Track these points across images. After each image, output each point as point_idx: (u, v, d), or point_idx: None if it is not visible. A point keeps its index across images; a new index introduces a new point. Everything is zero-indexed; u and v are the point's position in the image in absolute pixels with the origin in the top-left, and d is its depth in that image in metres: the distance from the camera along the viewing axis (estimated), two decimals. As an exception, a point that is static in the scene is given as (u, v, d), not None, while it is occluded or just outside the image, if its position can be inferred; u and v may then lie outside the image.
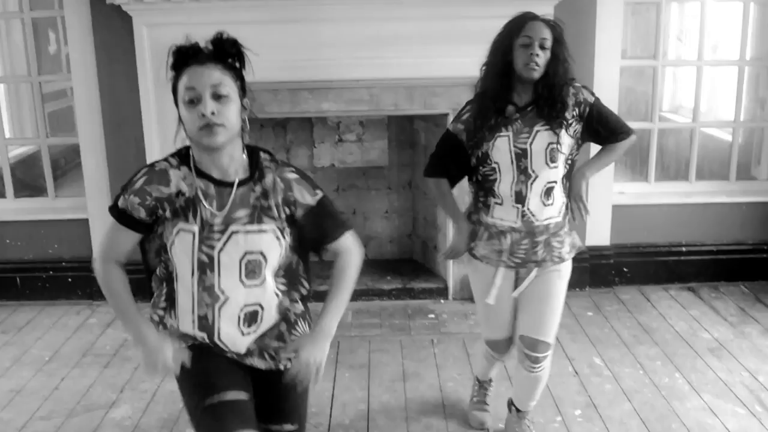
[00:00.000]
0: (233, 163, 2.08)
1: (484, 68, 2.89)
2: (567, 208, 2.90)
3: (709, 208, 4.98)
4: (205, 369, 2.12)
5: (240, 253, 2.05)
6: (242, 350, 2.15)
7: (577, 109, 2.81)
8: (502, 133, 2.78)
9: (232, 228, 2.04)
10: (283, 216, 2.08)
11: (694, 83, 5.01)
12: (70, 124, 5.82)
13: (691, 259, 4.99)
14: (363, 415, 3.50)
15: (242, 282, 2.07)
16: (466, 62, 4.39)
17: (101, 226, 4.78)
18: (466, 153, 2.86)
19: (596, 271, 4.89)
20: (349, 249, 2.21)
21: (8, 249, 4.97)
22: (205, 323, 2.10)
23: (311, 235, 2.15)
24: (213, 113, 1.96)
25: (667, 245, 4.98)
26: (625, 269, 4.95)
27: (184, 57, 2.02)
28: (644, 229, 4.95)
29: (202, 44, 2.04)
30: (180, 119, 2.06)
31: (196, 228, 2.04)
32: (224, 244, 2.04)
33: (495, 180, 2.82)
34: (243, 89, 2.08)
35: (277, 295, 2.14)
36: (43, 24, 5.81)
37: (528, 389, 3.10)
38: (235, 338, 2.12)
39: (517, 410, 3.21)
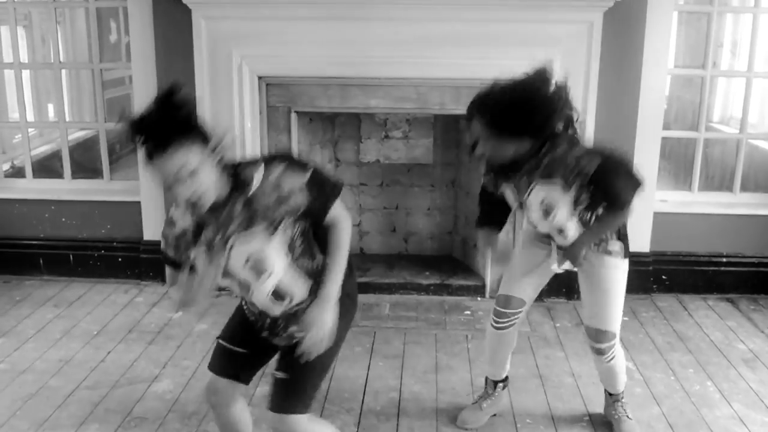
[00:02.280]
0: (219, 192, 2.21)
1: None
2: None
3: (752, 220, 4.95)
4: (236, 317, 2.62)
5: (243, 259, 2.26)
6: (279, 314, 2.41)
7: (578, 179, 2.80)
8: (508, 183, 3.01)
9: (231, 241, 2.25)
10: (281, 211, 2.22)
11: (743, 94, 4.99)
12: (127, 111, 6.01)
13: (732, 270, 4.97)
14: (394, 403, 3.59)
15: (257, 278, 2.31)
16: (513, 65, 4.46)
17: (153, 209, 4.97)
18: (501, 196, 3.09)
19: (634, 277, 4.84)
20: (338, 220, 2.33)
21: (63, 227, 5.17)
22: (249, 303, 2.48)
23: (311, 210, 2.26)
24: (191, 193, 2.12)
25: (708, 255, 4.97)
26: (663, 277, 4.96)
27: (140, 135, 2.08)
28: (685, 237, 4.95)
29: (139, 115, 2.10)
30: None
31: (203, 248, 2.29)
32: (228, 257, 2.28)
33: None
34: (204, 138, 2.13)
35: (296, 267, 2.34)
36: (106, 13, 6.01)
37: (607, 377, 3.32)
38: (271, 308, 2.41)
39: (609, 394, 3.42)
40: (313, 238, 2.36)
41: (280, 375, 2.46)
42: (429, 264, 5.28)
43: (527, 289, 3.21)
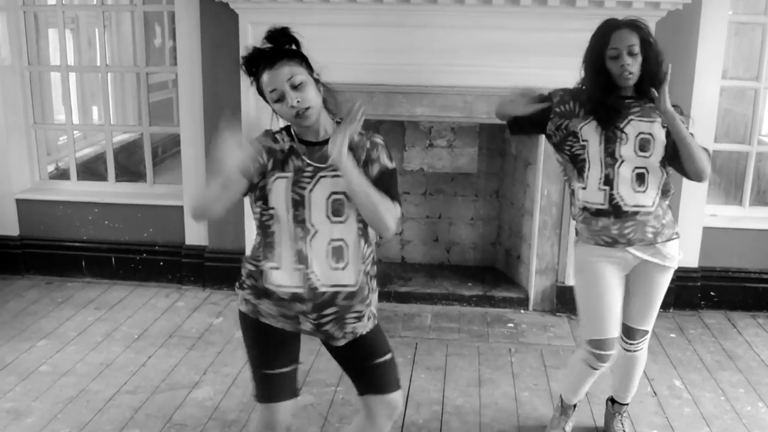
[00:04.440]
0: (322, 127, 2.39)
1: (581, 85, 2.99)
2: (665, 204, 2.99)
3: (804, 236, 4.83)
4: (260, 343, 2.59)
5: (326, 193, 2.34)
6: (328, 286, 2.38)
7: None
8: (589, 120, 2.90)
9: (321, 174, 2.34)
10: (362, 170, 2.34)
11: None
12: (168, 115, 6.06)
13: (783, 288, 4.85)
14: (437, 416, 3.53)
15: (329, 218, 2.35)
16: (562, 74, 4.37)
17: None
18: (547, 114, 2.99)
19: (682, 293, 4.80)
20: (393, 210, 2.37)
21: (106, 230, 5.19)
22: (301, 256, 2.35)
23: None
24: (298, 101, 2.29)
25: (758, 272, 4.84)
26: (712, 293, 4.85)
27: (254, 64, 2.38)
28: (735, 253, 4.83)
29: (260, 45, 2.38)
30: (273, 111, 2.41)
31: (290, 174, 2.35)
32: (314, 185, 2.34)
33: (584, 161, 2.90)
34: (310, 67, 2.41)
35: (359, 235, 2.40)
36: (151, 17, 6.05)
37: (624, 372, 3.21)
38: (324, 270, 2.36)
39: (614, 403, 3.33)
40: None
41: (382, 359, 2.54)
42: (471, 275, 5.22)
43: (618, 320, 3.05)
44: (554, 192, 4.60)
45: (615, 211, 2.88)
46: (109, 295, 4.97)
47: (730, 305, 4.86)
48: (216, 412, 3.53)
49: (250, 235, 4.81)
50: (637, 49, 2.80)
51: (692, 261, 4.80)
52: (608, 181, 2.87)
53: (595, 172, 2.88)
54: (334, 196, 2.35)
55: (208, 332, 4.41)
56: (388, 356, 2.54)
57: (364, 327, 2.49)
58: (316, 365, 3.95)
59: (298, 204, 2.34)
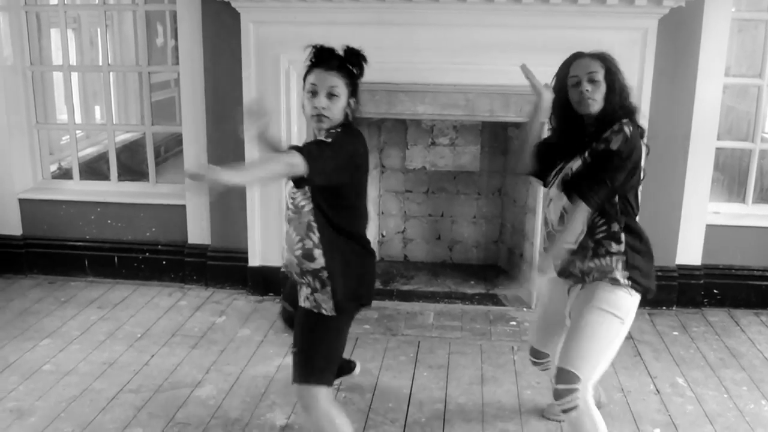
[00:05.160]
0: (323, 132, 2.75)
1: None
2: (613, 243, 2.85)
3: (808, 233, 4.82)
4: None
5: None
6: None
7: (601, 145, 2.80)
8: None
9: None
10: None
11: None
12: (170, 114, 6.06)
13: (787, 285, 4.84)
14: (439, 414, 3.53)
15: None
16: (564, 72, 4.40)
17: (197, 213, 4.99)
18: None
19: (685, 290, 4.79)
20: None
21: (109, 229, 5.20)
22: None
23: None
24: (324, 108, 2.66)
25: (762, 269, 4.83)
26: (715, 291, 4.84)
27: (319, 58, 2.72)
28: (738, 251, 4.82)
29: (335, 47, 2.73)
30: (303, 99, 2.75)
31: None
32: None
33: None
34: (352, 92, 2.74)
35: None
36: (153, 17, 6.05)
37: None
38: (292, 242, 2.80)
39: None
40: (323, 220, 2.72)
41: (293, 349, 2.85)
42: (474, 273, 5.21)
43: (546, 335, 3.22)
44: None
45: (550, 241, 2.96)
46: (111, 294, 4.97)
47: (733, 303, 4.85)
48: (219, 411, 3.53)
49: (252, 235, 4.83)
50: (599, 76, 2.79)
51: (695, 259, 4.79)
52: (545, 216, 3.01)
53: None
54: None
55: (210, 331, 4.41)
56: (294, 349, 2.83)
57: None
58: (319, 364, 3.95)
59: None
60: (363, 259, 2.86)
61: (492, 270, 5.32)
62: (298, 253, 2.75)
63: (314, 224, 2.71)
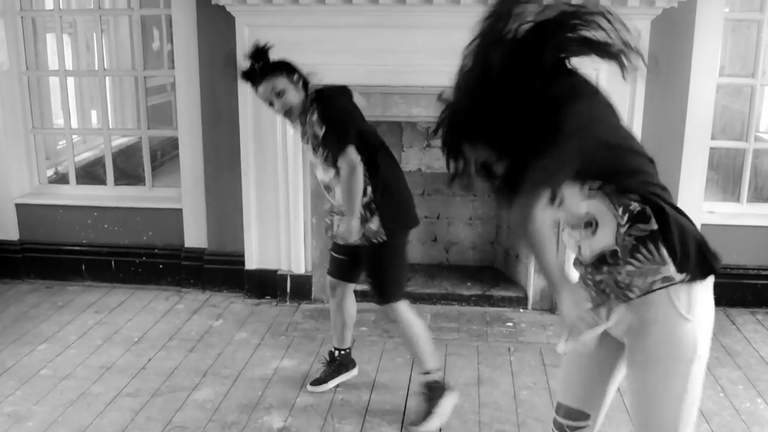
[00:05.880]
0: (298, 116, 3.30)
1: None
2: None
3: (803, 232, 4.84)
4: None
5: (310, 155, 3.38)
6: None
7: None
8: None
9: (303, 143, 3.41)
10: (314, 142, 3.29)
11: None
12: (167, 118, 6.07)
13: (781, 284, 4.86)
14: (436, 415, 3.54)
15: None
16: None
17: (194, 217, 4.99)
18: None
19: (680, 290, 4.80)
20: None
21: (105, 233, 5.20)
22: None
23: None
24: (280, 109, 3.20)
25: (757, 268, 4.85)
26: (710, 290, 4.85)
27: (250, 80, 3.23)
28: (733, 250, 4.83)
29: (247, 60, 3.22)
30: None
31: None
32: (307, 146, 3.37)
33: None
34: (289, 72, 3.19)
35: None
36: (149, 21, 6.07)
37: None
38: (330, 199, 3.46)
39: None
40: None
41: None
42: (470, 274, 5.22)
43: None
44: (552, 191, 4.60)
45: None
46: (109, 299, 4.98)
47: (728, 302, 4.86)
48: (216, 414, 3.53)
49: (249, 238, 4.84)
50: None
51: (690, 258, 4.80)
52: None
53: None
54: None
55: (207, 334, 4.42)
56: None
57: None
58: (316, 366, 3.96)
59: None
60: (402, 182, 3.44)
61: (488, 271, 5.32)
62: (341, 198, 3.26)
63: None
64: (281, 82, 3.18)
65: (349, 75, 4.50)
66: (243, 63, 3.28)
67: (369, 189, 3.25)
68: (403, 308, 3.42)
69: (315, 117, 3.23)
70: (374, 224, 3.27)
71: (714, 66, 4.58)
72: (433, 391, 3.43)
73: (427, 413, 3.40)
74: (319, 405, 3.62)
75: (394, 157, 3.48)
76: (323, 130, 3.21)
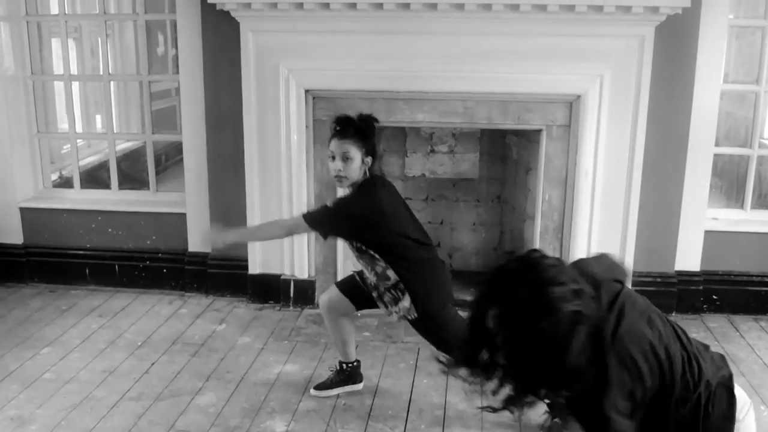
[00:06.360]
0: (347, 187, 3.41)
1: None
2: None
3: (807, 239, 4.83)
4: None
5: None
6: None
7: None
8: None
9: None
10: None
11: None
12: (171, 123, 6.08)
13: (785, 291, 4.85)
14: (439, 421, 3.54)
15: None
16: (561, 79, 4.43)
17: (197, 221, 5.00)
18: None
19: (684, 296, 4.80)
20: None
21: (109, 237, 5.21)
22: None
23: None
24: (340, 170, 3.29)
25: (760, 275, 4.84)
26: (714, 297, 4.85)
27: (337, 127, 3.37)
28: (737, 256, 4.83)
29: (352, 117, 3.37)
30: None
31: None
32: None
33: None
34: (367, 151, 3.31)
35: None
36: (154, 26, 6.08)
37: None
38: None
39: None
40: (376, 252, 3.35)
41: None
42: (474, 280, 5.18)
43: None
44: (555, 197, 4.61)
45: None
46: (112, 303, 4.99)
47: (732, 308, 4.86)
48: (219, 419, 3.54)
49: (252, 243, 4.84)
50: None
51: (694, 265, 4.80)
52: None
53: None
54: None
55: (211, 339, 4.42)
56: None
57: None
58: (319, 371, 3.96)
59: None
60: (431, 264, 3.45)
61: (492, 277, 5.30)
62: (374, 279, 3.42)
63: (374, 254, 3.35)
64: (356, 150, 3.28)
65: (353, 80, 4.54)
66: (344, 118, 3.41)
67: (391, 272, 3.36)
68: None
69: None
70: (406, 302, 3.38)
71: (718, 72, 4.58)
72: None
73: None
74: (322, 410, 3.62)
75: (430, 246, 3.52)
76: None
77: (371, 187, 3.35)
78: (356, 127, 3.33)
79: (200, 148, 4.89)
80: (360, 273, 3.58)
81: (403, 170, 5.28)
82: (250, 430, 3.43)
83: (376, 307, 3.54)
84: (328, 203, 3.44)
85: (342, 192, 3.55)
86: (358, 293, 3.57)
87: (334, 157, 3.30)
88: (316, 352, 4.22)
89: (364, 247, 3.37)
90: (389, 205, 3.38)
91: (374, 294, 3.49)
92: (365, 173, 3.35)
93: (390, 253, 3.35)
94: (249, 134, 4.68)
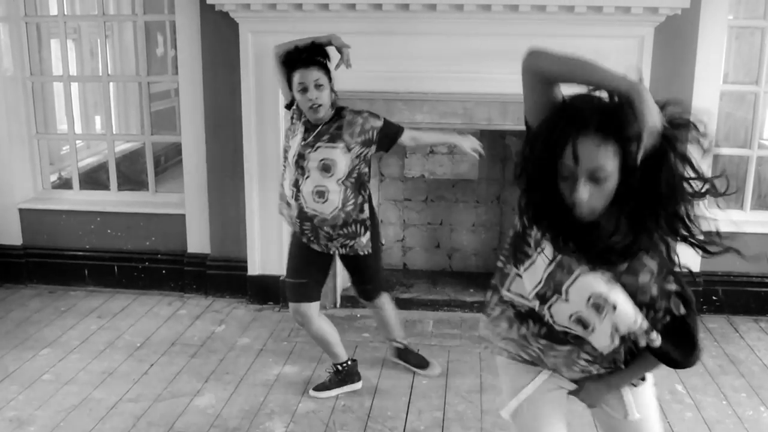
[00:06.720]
0: (323, 116, 3.40)
1: None
2: None
3: (806, 240, 4.82)
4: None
5: (319, 159, 3.35)
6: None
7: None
8: None
9: (317, 144, 3.36)
10: (358, 139, 3.39)
11: (797, 112, 4.87)
12: (171, 124, 6.08)
13: (785, 292, 4.84)
14: (438, 422, 3.54)
15: (321, 176, 3.36)
16: (561, 80, 4.40)
17: (197, 222, 4.99)
18: None
19: (684, 297, 4.78)
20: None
21: (109, 238, 5.21)
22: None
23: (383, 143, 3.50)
24: (317, 98, 3.30)
25: (760, 276, 4.84)
26: (714, 297, 4.84)
27: (294, 61, 3.35)
28: (737, 257, 4.80)
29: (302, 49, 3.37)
30: (293, 97, 3.43)
31: (297, 142, 3.42)
32: (311, 157, 3.36)
33: None
34: (330, 78, 3.38)
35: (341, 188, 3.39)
36: (153, 27, 6.07)
37: None
38: (313, 204, 3.44)
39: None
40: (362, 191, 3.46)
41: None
42: (473, 281, 5.21)
43: None
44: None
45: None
46: (111, 304, 4.98)
47: (732, 309, 4.85)
48: (218, 420, 3.53)
49: (252, 243, 4.84)
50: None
51: (694, 265, 4.78)
52: None
53: None
54: (324, 161, 3.33)
55: (210, 340, 4.42)
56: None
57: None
58: (318, 372, 3.96)
59: (302, 167, 3.38)
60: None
61: (491, 278, 5.29)
62: (350, 207, 3.42)
63: (366, 182, 3.47)
64: (324, 77, 3.35)
65: (352, 81, 4.50)
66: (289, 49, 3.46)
67: (366, 207, 3.51)
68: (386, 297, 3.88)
69: (365, 115, 3.46)
70: (365, 238, 3.52)
71: (717, 73, 4.58)
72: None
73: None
74: (321, 411, 3.62)
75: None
76: (381, 120, 3.48)
77: (357, 109, 3.53)
78: (319, 54, 3.40)
79: (199, 149, 4.89)
80: (301, 228, 3.51)
81: (402, 171, 5.28)
82: (249, 431, 3.43)
83: (328, 266, 3.69)
84: (374, 121, 3.47)
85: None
86: (309, 267, 3.63)
87: (306, 89, 3.31)
88: (315, 354, 4.21)
89: (367, 174, 3.49)
90: None
91: (321, 237, 3.48)
92: (333, 103, 3.45)
93: (368, 183, 3.53)
94: (248, 135, 4.68)
